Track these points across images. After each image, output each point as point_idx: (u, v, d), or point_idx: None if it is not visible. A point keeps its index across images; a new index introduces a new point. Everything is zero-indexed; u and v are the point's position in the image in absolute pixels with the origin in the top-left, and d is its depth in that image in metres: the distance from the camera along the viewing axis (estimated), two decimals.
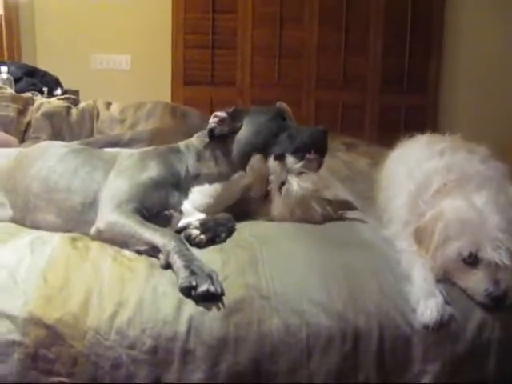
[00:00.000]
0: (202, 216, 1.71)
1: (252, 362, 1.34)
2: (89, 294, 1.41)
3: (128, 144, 2.60)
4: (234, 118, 1.84)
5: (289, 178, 1.78)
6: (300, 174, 1.79)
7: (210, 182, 1.78)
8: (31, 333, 1.37)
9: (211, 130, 1.82)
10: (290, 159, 1.79)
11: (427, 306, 1.39)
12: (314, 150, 1.80)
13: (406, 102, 4.66)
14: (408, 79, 4.64)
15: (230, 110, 1.85)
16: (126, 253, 1.57)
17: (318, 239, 1.65)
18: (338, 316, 1.38)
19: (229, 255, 1.54)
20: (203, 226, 1.63)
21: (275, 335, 1.36)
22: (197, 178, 1.78)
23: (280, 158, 1.80)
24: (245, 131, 1.82)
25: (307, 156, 1.79)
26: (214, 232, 1.63)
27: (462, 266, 1.45)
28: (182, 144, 1.89)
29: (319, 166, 1.83)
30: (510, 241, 1.41)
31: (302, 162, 1.79)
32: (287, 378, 1.35)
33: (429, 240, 1.49)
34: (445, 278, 1.48)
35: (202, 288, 1.37)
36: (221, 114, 1.83)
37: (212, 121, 1.83)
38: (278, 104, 2.00)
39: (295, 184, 1.76)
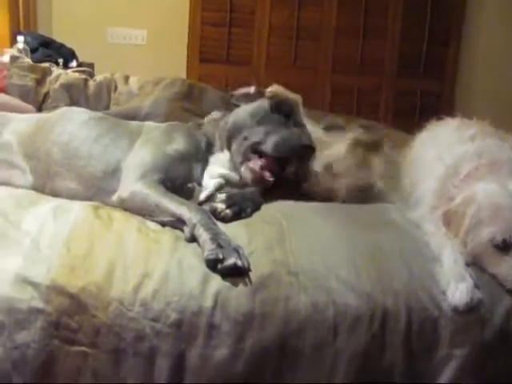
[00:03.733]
0: (220, 180, 1.71)
1: (278, 339, 1.33)
2: (113, 264, 1.40)
3: (145, 118, 2.57)
4: (253, 99, 1.88)
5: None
6: None
7: (220, 150, 1.81)
8: (54, 301, 1.35)
9: (232, 94, 1.92)
10: None
11: (458, 288, 1.37)
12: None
13: (422, 87, 4.59)
14: (425, 64, 4.58)
15: (266, 92, 1.89)
16: (151, 224, 1.55)
17: (344, 218, 1.63)
18: (367, 296, 1.37)
19: (255, 230, 1.52)
20: (229, 200, 1.61)
21: (302, 312, 1.34)
22: (211, 148, 1.82)
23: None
24: (235, 112, 1.86)
25: (247, 164, 1.72)
26: (240, 206, 1.61)
27: (494, 252, 1.43)
28: (205, 119, 1.94)
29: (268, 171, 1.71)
30: None
31: None
32: (313, 356, 1.33)
33: (459, 223, 1.47)
34: (474, 263, 1.46)
35: (229, 261, 1.35)
36: (252, 89, 1.90)
37: (241, 89, 1.92)
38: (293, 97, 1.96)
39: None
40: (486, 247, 1.43)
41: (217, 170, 1.76)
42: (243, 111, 1.84)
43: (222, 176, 1.73)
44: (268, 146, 1.71)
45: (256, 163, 1.70)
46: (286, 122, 1.79)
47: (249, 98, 1.87)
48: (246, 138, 1.76)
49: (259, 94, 1.88)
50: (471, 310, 1.37)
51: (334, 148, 1.97)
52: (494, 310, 1.39)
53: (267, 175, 1.69)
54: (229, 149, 1.79)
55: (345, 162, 1.91)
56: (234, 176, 1.75)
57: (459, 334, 1.37)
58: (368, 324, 1.35)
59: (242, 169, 1.72)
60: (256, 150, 1.73)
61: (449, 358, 1.36)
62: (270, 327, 1.33)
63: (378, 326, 1.35)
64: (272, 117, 1.79)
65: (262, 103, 1.84)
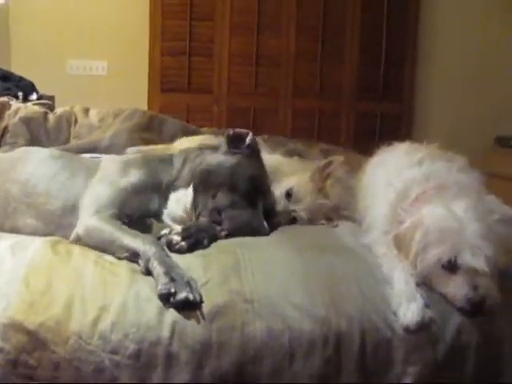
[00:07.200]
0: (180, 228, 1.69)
1: (235, 366, 1.35)
2: (71, 298, 1.41)
3: (106, 150, 2.59)
4: (235, 143, 1.84)
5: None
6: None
7: (184, 186, 1.78)
8: (12, 338, 1.36)
9: (228, 133, 1.85)
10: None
11: (409, 308, 1.41)
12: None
13: (381, 109, 4.70)
14: (384, 87, 4.69)
15: (251, 141, 1.85)
16: (108, 257, 1.56)
17: (299, 245, 1.66)
18: (321, 320, 1.40)
19: (211, 261, 1.54)
20: (185, 232, 1.62)
21: (258, 339, 1.37)
22: (175, 182, 1.80)
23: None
24: (216, 156, 1.82)
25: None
26: (196, 238, 1.62)
27: (442, 272, 1.47)
28: (179, 150, 1.94)
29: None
30: (488, 247, 1.44)
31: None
32: (271, 381, 1.36)
33: (408, 247, 1.52)
34: (424, 284, 1.50)
35: (181, 295, 1.37)
36: (249, 136, 1.86)
37: (240, 130, 1.87)
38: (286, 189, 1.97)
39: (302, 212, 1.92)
40: (435, 268, 1.48)
41: (178, 212, 1.76)
42: (223, 164, 1.80)
43: (183, 219, 1.75)
44: (226, 224, 1.70)
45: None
46: (254, 201, 1.77)
47: (241, 143, 1.84)
48: (214, 197, 1.74)
49: (251, 146, 1.86)
50: (422, 329, 1.41)
51: (295, 175, 2.03)
52: (444, 327, 1.44)
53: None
54: (194, 189, 1.76)
55: (305, 188, 1.97)
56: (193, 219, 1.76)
57: (412, 353, 1.41)
58: (322, 347, 1.38)
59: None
60: (219, 212, 1.72)
61: (403, 375, 1.40)
62: (228, 355, 1.35)
63: (333, 349, 1.38)
64: (246, 188, 1.76)
65: (244, 169, 1.79)
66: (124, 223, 1.64)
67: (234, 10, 4.53)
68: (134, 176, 1.77)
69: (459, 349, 1.43)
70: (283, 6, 4.58)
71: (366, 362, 1.40)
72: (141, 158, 1.91)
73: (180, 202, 1.77)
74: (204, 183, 1.76)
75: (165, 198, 1.77)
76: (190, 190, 1.77)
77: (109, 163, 1.87)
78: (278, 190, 1.94)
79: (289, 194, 1.96)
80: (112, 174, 1.79)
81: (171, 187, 1.79)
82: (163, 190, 1.78)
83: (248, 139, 1.85)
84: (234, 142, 1.84)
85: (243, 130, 1.87)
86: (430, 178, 1.64)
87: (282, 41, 4.62)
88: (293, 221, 1.92)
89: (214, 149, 1.87)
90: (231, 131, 1.85)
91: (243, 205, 1.74)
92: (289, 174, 2.04)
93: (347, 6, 4.63)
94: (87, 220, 1.65)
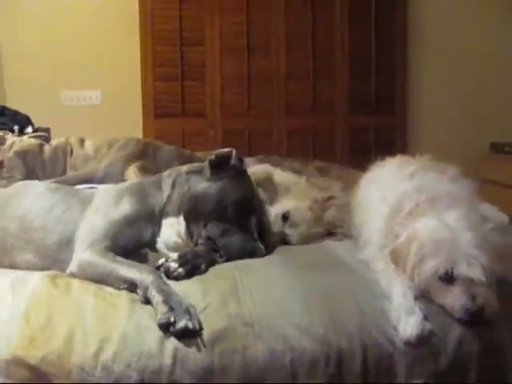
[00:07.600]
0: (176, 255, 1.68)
1: None
2: (72, 331, 1.41)
3: (102, 180, 2.61)
4: (220, 166, 1.82)
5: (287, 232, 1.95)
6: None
7: (174, 214, 1.78)
8: (14, 374, 1.36)
9: (210, 158, 1.83)
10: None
11: (408, 322, 1.42)
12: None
13: (375, 123, 4.72)
14: (376, 100, 4.72)
15: (235, 161, 1.83)
16: (108, 288, 1.57)
17: (295, 264, 1.68)
18: (321, 339, 1.41)
19: (209, 286, 1.55)
20: (182, 259, 1.63)
21: (260, 360, 1.37)
22: (166, 207, 1.79)
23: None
24: (203, 184, 1.81)
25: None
26: (193, 264, 1.63)
27: (439, 284, 1.48)
28: (168, 171, 1.92)
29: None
30: (484, 257, 1.45)
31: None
32: None
33: (405, 261, 1.53)
34: (423, 296, 1.51)
35: (181, 324, 1.38)
36: (233, 154, 1.84)
37: (223, 150, 1.85)
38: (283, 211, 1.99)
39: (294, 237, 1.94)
40: (432, 280, 1.49)
41: (172, 238, 1.77)
42: (208, 192, 1.79)
43: (178, 246, 1.75)
44: (223, 252, 1.72)
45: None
46: (246, 223, 1.78)
47: (226, 165, 1.82)
48: (205, 226, 1.75)
49: (235, 167, 1.84)
50: (423, 342, 1.42)
51: (294, 199, 2.05)
52: (445, 339, 1.44)
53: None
54: (185, 218, 1.77)
55: (303, 215, 1.98)
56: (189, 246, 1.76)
57: (414, 367, 1.42)
58: (324, 366, 1.38)
59: None
60: (214, 242, 1.73)
61: None
62: (231, 378, 1.36)
63: (335, 367, 1.39)
64: (235, 213, 1.77)
65: (229, 194, 1.78)
66: (118, 254, 1.63)
67: (224, 34, 4.57)
68: (126, 205, 1.77)
69: (461, 359, 1.44)
70: (271, 27, 4.62)
71: (369, 378, 1.40)
72: (132, 185, 1.91)
73: (173, 227, 1.77)
74: (193, 213, 1.77)
75: (158, 226, 1.77)
76: (182, 218, 1.77)
77: (103, 194, 1.87)
78: (274, 211, 1.95)
79: (285, 217, 1.96)
80: (105, 205, 1.79)
81: (163, 213, 1.78)
82: (156, 218, 1.78)
83: (232, 160, 1.83)
84: (219, 166, 1.82)
85: (226, 151, 1.84)
86: (421, 190, 1.66)
87: (272, 61, 4.65)
88: (284, 243, 1.93)
89: (200, 172, 1.84)
90: (213, 156, 1.83)
91: (235, 230, 1.75)
92: (295, 194, 2.05)
93: (335, 22, 4.66)
94: (81, 254, 1.65)
